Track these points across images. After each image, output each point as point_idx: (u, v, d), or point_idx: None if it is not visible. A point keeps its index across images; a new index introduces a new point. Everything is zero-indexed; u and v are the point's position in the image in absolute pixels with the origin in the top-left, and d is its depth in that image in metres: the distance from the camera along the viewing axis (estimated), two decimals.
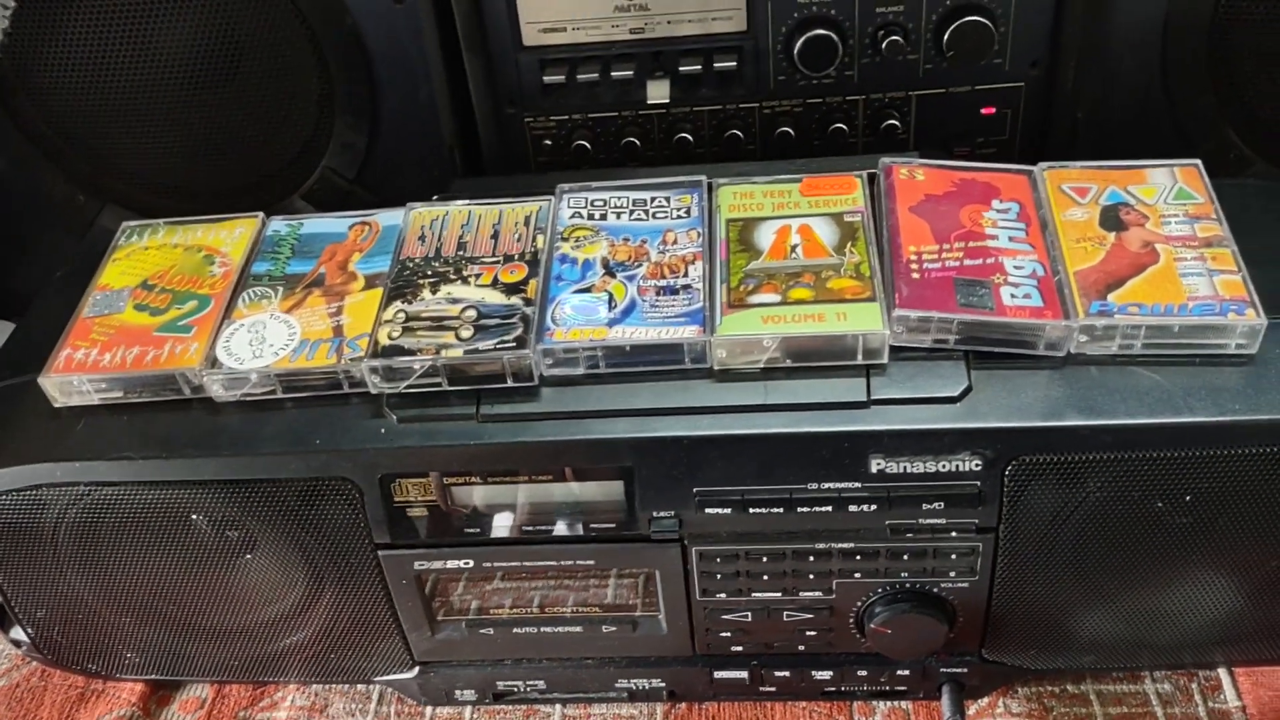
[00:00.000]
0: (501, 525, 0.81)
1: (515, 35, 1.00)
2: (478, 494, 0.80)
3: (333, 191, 1.09)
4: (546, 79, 1.01)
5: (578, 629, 0.87)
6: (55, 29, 1.00)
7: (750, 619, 0.84)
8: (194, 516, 0.81)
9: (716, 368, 0.77)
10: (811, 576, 0.81)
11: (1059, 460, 0.74)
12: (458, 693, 0.92)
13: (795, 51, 0.99)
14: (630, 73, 1.01)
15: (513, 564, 0.82)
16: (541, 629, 0.87)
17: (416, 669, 0.91)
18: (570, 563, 0.82)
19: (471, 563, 0.82)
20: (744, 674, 0.88)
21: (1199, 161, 0.85)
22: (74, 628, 0.88)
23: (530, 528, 0.81)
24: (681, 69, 1.00)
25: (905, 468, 0.75)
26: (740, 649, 0.87)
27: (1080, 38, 0.97)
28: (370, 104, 1.05)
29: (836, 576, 0.81)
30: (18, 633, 0.89)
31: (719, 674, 0.89)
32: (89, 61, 1.02)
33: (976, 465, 0.74)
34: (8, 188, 1.11)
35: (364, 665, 0.90)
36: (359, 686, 0.96)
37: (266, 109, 1.06)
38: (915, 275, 0.78)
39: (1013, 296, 0.76)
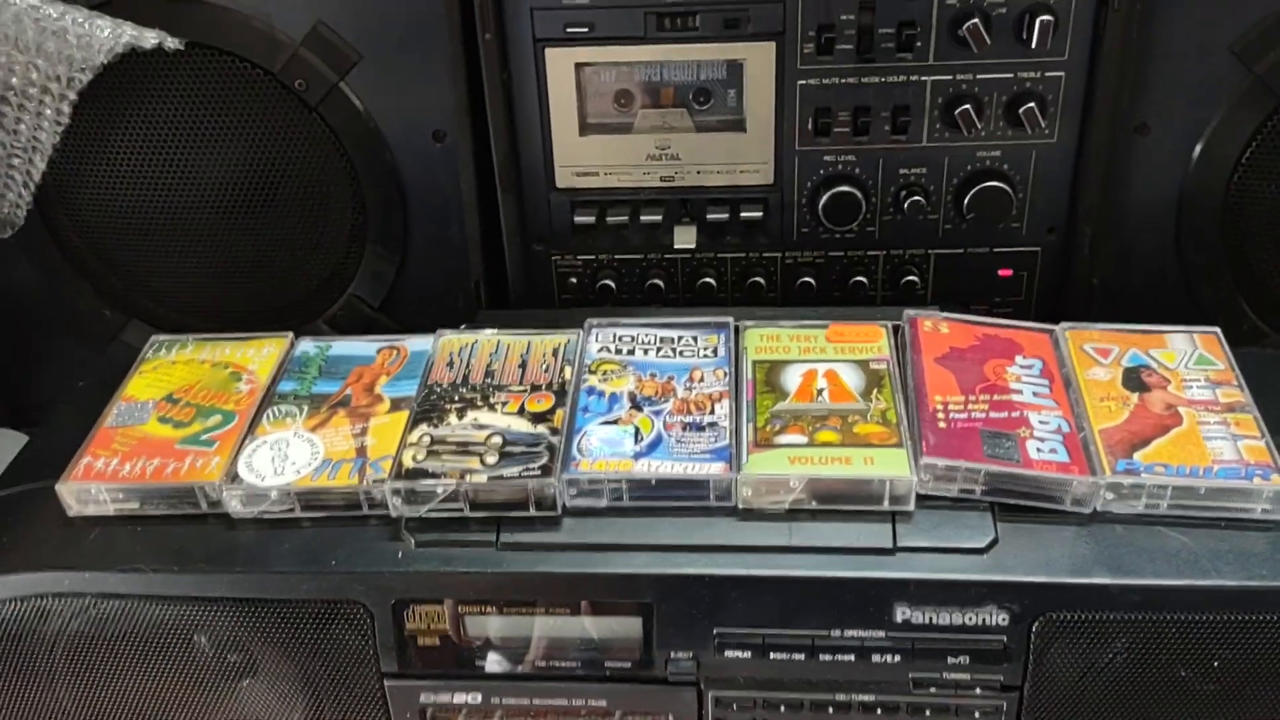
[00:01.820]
0: (513, 660, 0.79)
1: (549, 177, 1.03)
2: (491, 625, 0.78)
3: (357, 318, 1.10)
4: (577, 219, 1.04)
5: None
6: (100, 147, 1.02)
7: None
8: (196, 637, 0.79)
9: (741, 506, 0.77)
10: None
11: (1086, 618, 0.73)
12: None
13: (820, 206, 1.02)
14: (659, 217, 1.03)
15: (522, 701, 0.80)
16: None
17: None
18: (581, 703, 0.80)
19: (480, 697, 0.80)
20: None
21: (1218, 330, 0.87)
22: None
23: (543, 663, 0.79)
24: (709, 217, 1.03)
25: (930, 618, 0.74)
26: None
27: (1096, 208, 1.01)
28: (401, 236, 1.07)
29: None
30: None
31: None
32: (129, 181, 1.04)
33: (1003, 620, 0.73)
34: (36, 298, 1.13)
35: None
36: None
37: (299, 236, 1.08)
38: (942, 424, 0.78)
39: (1039, 451, 0.77)
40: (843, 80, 0.97)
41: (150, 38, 0.93)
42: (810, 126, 0.99)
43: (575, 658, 0.79)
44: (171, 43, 0.94)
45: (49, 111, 0.94)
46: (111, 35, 0.92)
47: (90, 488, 0.79)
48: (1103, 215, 1.01)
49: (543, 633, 0.78)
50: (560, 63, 0.98)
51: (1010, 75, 0.96)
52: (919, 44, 0.95)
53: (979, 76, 0.96)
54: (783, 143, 1.00)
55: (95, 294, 1.12)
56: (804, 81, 0.97)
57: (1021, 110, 0.96)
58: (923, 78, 0.96)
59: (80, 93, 0.95)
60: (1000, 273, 1.06)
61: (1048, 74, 0.96)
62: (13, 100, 0.92)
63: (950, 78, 0.96)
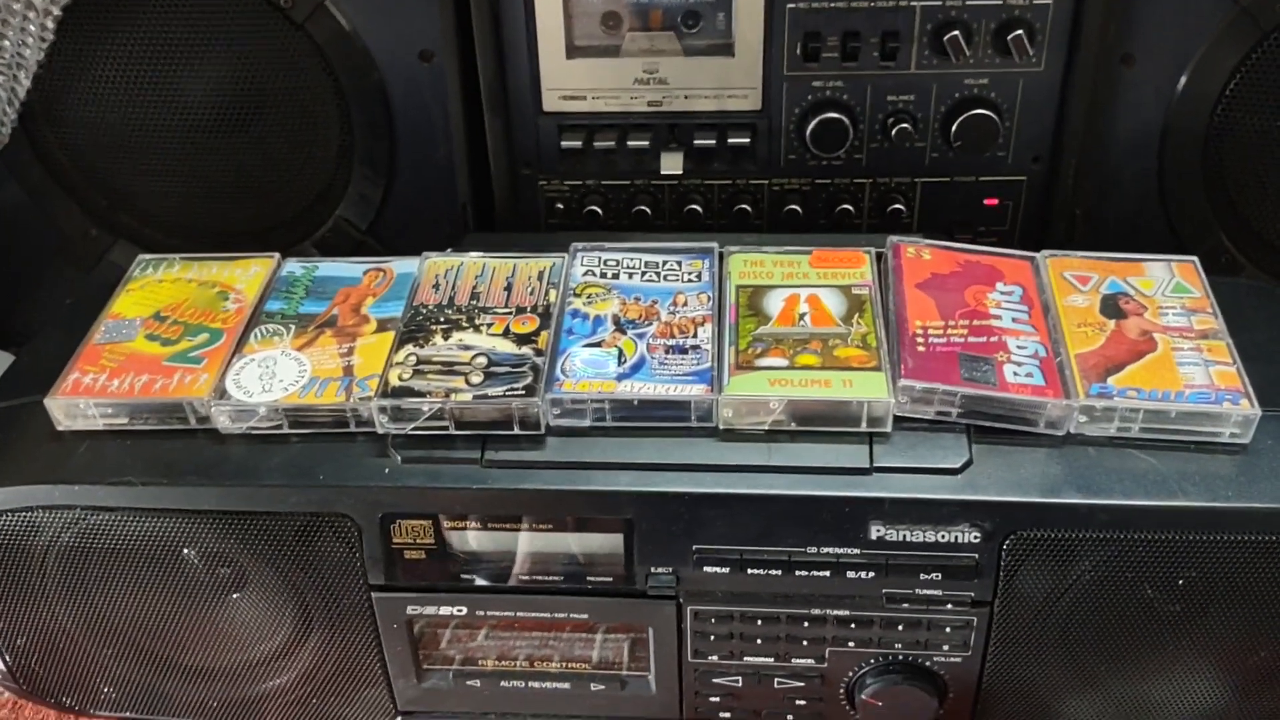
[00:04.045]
0: (498, 573, 0.80)
1: (536, 100, 1.03)
2: (476, 540, 0.80)
3: (344, 241, 1.10)
4: (564, 144, 1.04)
5: (565, 685, 0.86)
6: (86, 64, 1.02)
7: (740, 684, 0.84)
8: (186, 551, 0.81)
9: (721, 427, 0.78)
10: (805, 643, 0.81)
11: (1055, 536, 0.75)
12: None
13: (807, 132, 1.02)
14: (646, 143, 1.03)
15: (506, 614, 0.82)
16: (529, 683, 0.86)
17: (399, 719, 0.89)
18: (564, 615, 0.82)
19: (464, 610, 0.82)
20: None
21: (1195, 259, 0.88)
22: (53, 658, 0.87)
23: (527, 577, 0.80)
24: (696, 142, 1.03)
25: (904, 536, 0.76)
26: (728, 715, 0.86)
27: (1081, 138, 1.01)
28: (389, 157, 1.07)
29: (830, 644, 0.81)
30: None
31: None
32: (115, 99, 1.04)
33: (975, 537, 0.75)
34: (21, 216, 1.12)
35: (346, 713, 0.89)
36: None
37: (286, 157, 1.07)
38: (921, 348, 0.80)
39: (1015, 374, 0.78)
40: (832, 4, 0.97)
41: None
42: (799, 52, 0.99)
43: (559, 572, 0.80)
44: None
45: (33, 28, 0.93)
46: None
47: (79, 403, 0.80)
48: (1087, 145, 1.01)
49: (527, 548, 0.80)
50: None
51: (999, 2, 0.96)
52: None
53: (968, 3, 0.96)
54: (771, 68, 1.00)
55: (81, 214, 1.12)
56: (793, 5, 0.97)
57: (1010, 37, 0.96)
58: (912, 3, 0.96)
59: (65, 8, 0.94)
60: (986, 201, 1.07)
61: (1036, 1, 0.96)
62: None
63: (940, 3, 0.96)
